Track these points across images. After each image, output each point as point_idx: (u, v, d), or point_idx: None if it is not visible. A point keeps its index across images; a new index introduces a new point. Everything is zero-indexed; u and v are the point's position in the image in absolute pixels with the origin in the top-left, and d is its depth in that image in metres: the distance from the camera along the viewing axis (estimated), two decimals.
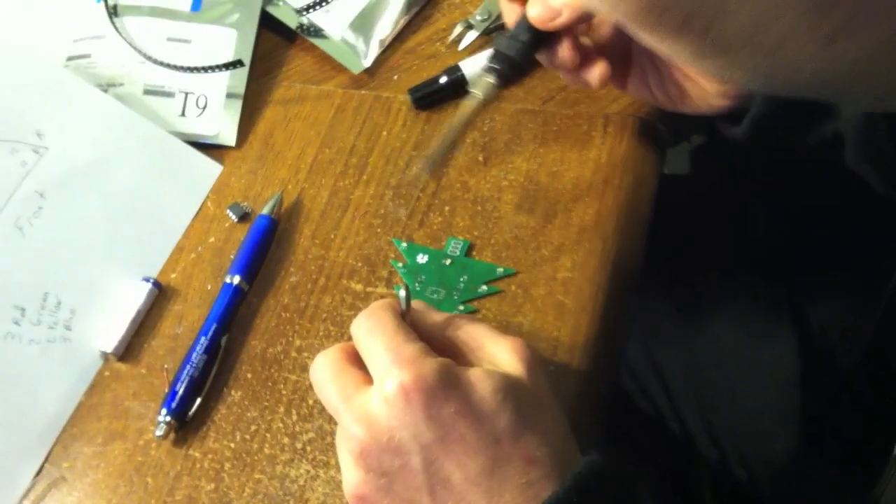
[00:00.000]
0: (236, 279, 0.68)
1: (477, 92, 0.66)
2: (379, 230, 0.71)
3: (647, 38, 0.40)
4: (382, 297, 0.67)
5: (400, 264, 0.68)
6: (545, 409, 0.54)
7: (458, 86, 0.76)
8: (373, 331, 0.55)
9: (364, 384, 0.54)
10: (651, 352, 0.88)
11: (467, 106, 0.66)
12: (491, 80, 0.65)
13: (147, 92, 0.77)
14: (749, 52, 0.39)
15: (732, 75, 0.43)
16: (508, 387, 0.53)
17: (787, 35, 0.36)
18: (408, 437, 0.51)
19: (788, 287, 0.82)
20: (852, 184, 0.71)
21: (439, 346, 0.57)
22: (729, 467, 0.85)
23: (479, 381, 0.52)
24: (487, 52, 0.66)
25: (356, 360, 0.56)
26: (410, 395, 0.51)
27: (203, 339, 0.65)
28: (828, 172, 0.78)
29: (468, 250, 0.68)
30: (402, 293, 0.57)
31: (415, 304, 0.61)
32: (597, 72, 0.65)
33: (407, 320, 0.57)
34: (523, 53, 0.64)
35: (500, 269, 0.67)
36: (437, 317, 0.59)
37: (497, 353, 0.56)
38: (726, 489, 0.87)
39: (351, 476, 0.53)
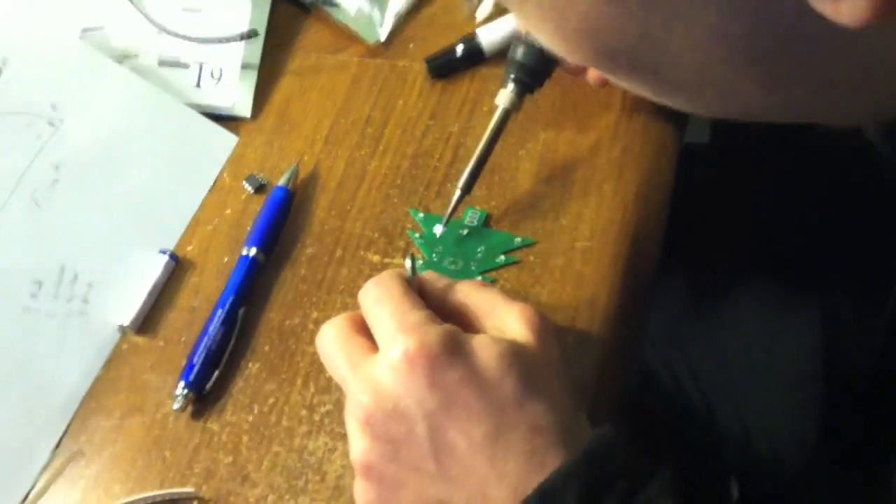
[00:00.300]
0: (253, 251, 0.67)
1: (501, 104, 0.66)
2: (396, 201, 0.70)
3: (609, 77, 0.44)
4: (400, 267, 0.66)
5: (417, 235, 0.68)
6: (554, 378, 0.53)
7: (475, 54, 0.76)
8: (380, 299, 0.55)
9: (371, 352, 0.54)
10: (673, 328, 0.87)
11: (494, 120, 0.67)
12: (512, 91, 0.65)
13: (162, 63, 0.77)
14: (700, 93, 0.42)
15: (692, 110, 0.46)
16: (514, 353, 0.52)
17: (730, 83, 0.39)
18: (412, 403, 0.51)
19: (812, 273, 0.81)
20: (870, 168, 0.71)
21: (450, 312, 0.57)
22: (752, 442, 0.84)
23: (484, 347, 0.52)
24: (505, 21, 0.66)
25: (363, 329, 0.56)
26: (414, 361, 0.51)
27: (220, 311, 0.65)
28: (848, 151, 0.78)
29: (486, 220, 0.68)
30: (408, 262, 0.57)
31: (427, 274, 0.60)
32: (593, 74, 0.70)
33: (414, 288, 0.57)
34: (540, 60, 0.65)
35: (518, 239, 0.66)
36: (447, 284, 0.59)
37: (507, 320, 0.55)
38: (750, 465, 0.86)
39: (357, 444, 0.53)
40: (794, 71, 0.38)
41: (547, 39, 0.41)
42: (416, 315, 0.54)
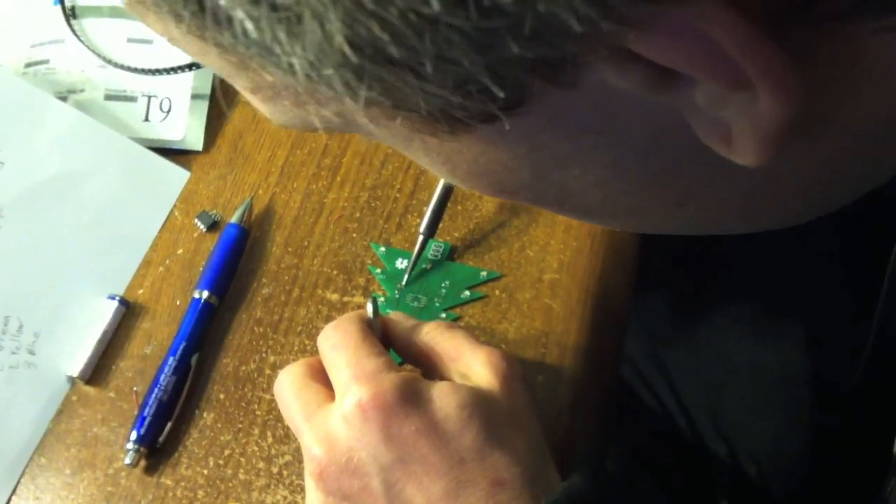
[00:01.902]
0: (205, 294, 0.64)
1: None
2: (355, 235, 0.67)
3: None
4: (360, 306, 0.63)
5: (378, 270, 0.64)
6: (519, 427, 0.50)
7: None
8: (337, 345, 0.53)
9: (327, 401, 0.51)
10: (654, 348, 0.84)
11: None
12: None
13: (108, 97, 0.73)
14: (614, 217, 0.42)
15: (610, 227, 0.48)
16: (476, 402, 0.49)
17: (640, 203, 0.38)
18: (367, 457, 0.48)
19: (792, 290, 0.78)
20: None
21: (416, 356, 0.55)
22: (738, 463, 0.82)
23: (444, 396, 0.49)
24: None
25: (322, 376, 0.53)
26: (368, 413, 0.48)
27: (171, 359, 0.62)
28: None
29: (450, 253, 0.64)
30: (370, 304, 0.54)
31: (394, 314, 0.58)
32: None
33: (377, 331, 0.54)
34: None
35: (484, 273, 0.63)
36: (413, 325, 0.56)
37: (472, 365, 0.52)
38: (737, 486, 0.83)
39: (311, 498, 0.51)
40: (703, 192, 0.37)
41: (443, 176, 0.39)
42: (373, 362, 0.51)
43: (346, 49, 0.26)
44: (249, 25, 0.26)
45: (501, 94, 0.28)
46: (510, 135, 0.32)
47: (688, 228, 0.41)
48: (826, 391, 0.77)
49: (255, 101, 0.35)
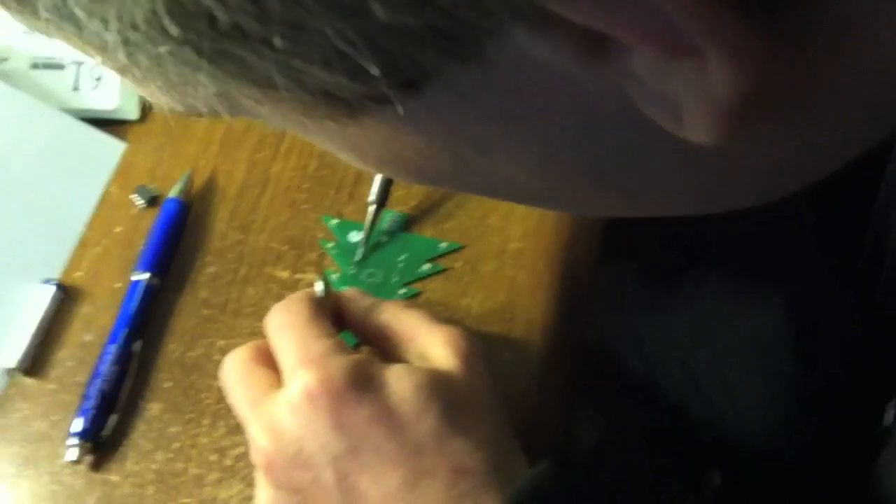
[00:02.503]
0: (145, 276, 0.60)
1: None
2: (304, 207, 0.63)
3: None
4: (311, 284, 0.60)
5: (330, 244, 0.61)
6: (481, 410, 0.47)
7: None
8: (284, 326, 0.49)
9: (274, 387, 0.48)
10: (629, 322, 0.81)
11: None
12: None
13: (35, 66, 0.68)
14: (557, 202, 0.38)
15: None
16: (435, 384, 0.46)
17: (581, 193, 0.34)
18: (316, 448, 0.45)
19: (769, 246, 0.75)
20: None
21: (372, 337, 0.52)
22: (725, 434, 0.79)
23: (398, 379, 0.46)
24: None
25: (270, 360, 0.50)
26: (316, 399, 0.45)
27: (113, 347, 0.58)
28: None
29: (406, 224, 0.61)
30: (319, 282, 0.50)
31: (349, 291, 0.54)
32: None
33: (329, 311, 0.51)
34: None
35: (444, 244, 0.59)
36: (370, 304, 0.52)
37: (430, 346, 0.49)
38: (724, 457, 0.81)
39: (261, 493, 0.48)
40: (654, 178, 0.32)
41: (354, 164, 0.34)
42: (322, 344, 0.47)
43: (167, 23, 0.22)
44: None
45: (376, 72, 0.23)
46: (417, 118, 0.27)
47: (642, 213, 0.37)
48: (811, 359, 0.74)
49: (131, 86, 0.30)
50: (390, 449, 0.45)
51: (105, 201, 0.65)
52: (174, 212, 0.62)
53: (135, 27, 0.23)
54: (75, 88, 0.68)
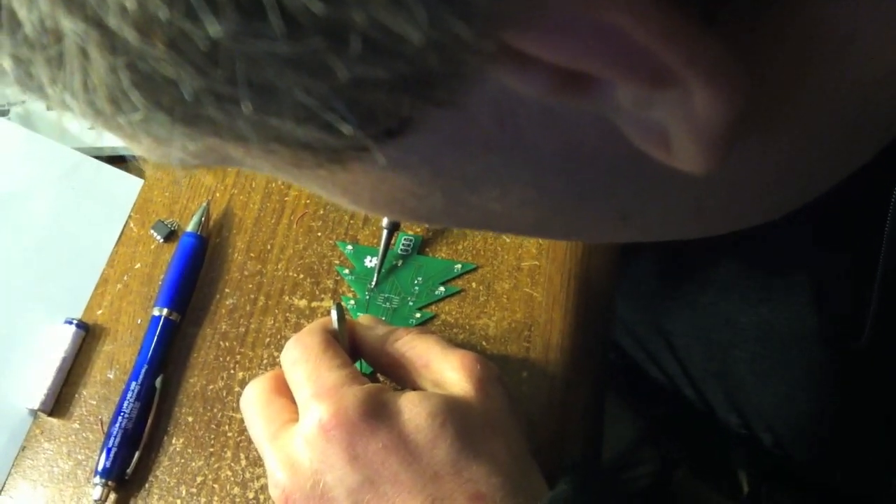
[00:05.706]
0: (164, 311, 0.60)
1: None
2: (320, 234, 0.62)
3: None
4: (329, 312, 0.59)
5: (346, 270, 0.60)
6: (498, 433, 0.47)
7: None
8: (297, 360, 0.49)
9: (292, 419, 0.48)
10: (655, 316, 0.79)
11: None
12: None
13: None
14: (554, 232, 0.38)
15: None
16: (449, 410, 0.46)
17: (576, 221, 0.33)
18: (333, 481, 0.45)
19: (791, 238, 0.73)
20: None
21: (385, 366, 0.51)
22: (752, 430, 0.77)
23: (412, 406, 0.46)
24: None
25: (288, 390, 0.50)
26: (330, 432, 0.45)
27: (133, 384, 0.58)
28: None
29: (420, 246, 0.60)
30: (333, 311, 0.50)
31: (363, 318, 0.54)
32: None
33: (343, 340, 0.51)
34: None
35: (458, 266, 0.59)
36: (385, 332, 0.52)
37: (444, 371, 0.49)
38: (753, 455, 0.79)
39: None
40: (647, 204, 0.31)
41: (347, 207, 0.33)
42: (334, 376, 0.47)
43: (134, 96, 0.22)
44: (8, 64, 0.22)
45: (349, 129, 0.22)
46: (403, 161, 0.27)
47: (639, 238, 0.36)
48: (838, 348, 0.72)
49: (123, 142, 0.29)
50: (406, 478, 0.44)
51: (125, 238, 0.65)
52: (191, 246, 0.62)
53: (102, 98, 0.22)
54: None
